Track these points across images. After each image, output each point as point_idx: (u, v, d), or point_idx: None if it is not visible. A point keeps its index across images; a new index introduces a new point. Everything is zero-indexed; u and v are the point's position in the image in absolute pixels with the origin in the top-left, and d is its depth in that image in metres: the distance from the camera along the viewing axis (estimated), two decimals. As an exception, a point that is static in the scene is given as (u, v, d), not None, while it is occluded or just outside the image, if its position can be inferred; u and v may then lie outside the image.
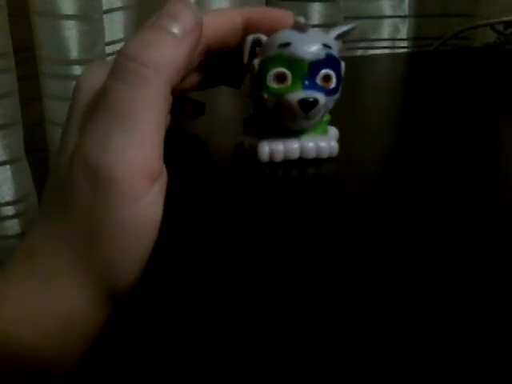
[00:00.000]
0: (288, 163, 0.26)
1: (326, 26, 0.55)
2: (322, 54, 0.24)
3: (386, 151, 0.29)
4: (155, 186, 0.21)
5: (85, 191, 0.20)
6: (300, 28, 0.24)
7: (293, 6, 0.55)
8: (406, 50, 0.67)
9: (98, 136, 0.20)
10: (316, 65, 0.24)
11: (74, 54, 0.47)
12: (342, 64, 0.25)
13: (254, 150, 0.26)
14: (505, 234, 0.20)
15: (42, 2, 0.45)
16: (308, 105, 0.24)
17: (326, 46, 0.24)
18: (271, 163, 0.26)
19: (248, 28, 0.25)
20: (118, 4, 0.52)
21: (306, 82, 0.24)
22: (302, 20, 0.24)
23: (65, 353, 0.21)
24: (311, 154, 0.26)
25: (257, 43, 0.25)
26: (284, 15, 0.25)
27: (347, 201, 0.23)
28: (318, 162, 0.26)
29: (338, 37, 0.26)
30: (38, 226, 0.22)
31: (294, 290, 0.16)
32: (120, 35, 0.52)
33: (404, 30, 0.66)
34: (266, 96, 0.24)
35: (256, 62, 0.24)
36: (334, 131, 0.27)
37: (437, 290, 0.16)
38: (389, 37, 0.66)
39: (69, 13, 0.45)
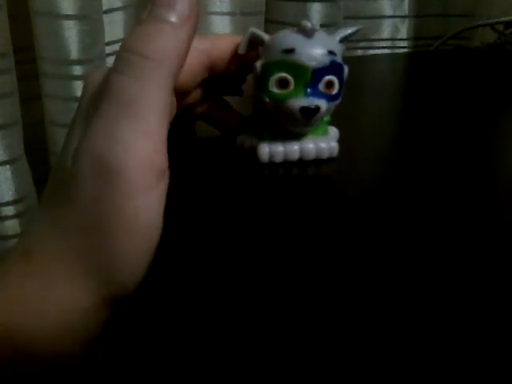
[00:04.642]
0: (288, 163, 0.26)
1: (326, 25, 0.55)
2: (327, 61, 0.23)
3: (387, 151, 0.29)
4: (161, 182, 0.20)
5: (91, 183, 0.20)
6: (305, 33, 0.23)
7: (293, 6, 0.55)
8: (406, 50, 0.67)
9: (105, 127, 0.20)
10: (319, 71, 0.23)
11: (74, 53, 0.47)
12: (345, 68, 0.25)
13: (254, 151, 0.26)
14: (504, 233, 0.20)
15: (41, 2, 0.45)
16: (310, 112, 0.23)
17: (330, 52, 0.24)
18: (271, 163, 0.25)
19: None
20: (118, 4, 0.52)
21: (309, 89, 0.24)
22: (308, 24, 0.23)
23: (64, 352, 0.21)
24: (311, 156, 0.26)
25: (259, 42, 0.24)
26: None
27: (348, 201, 0.23)
28: (318, 162, 0.26)
29: (343, 40, 0.25)
30: (37, 226, 0.22)
31: (294, 290, 0.16)
32: (120, 35, 0.52)
33: (404, 30, 0.66)
34: (267, 100, 0.24)
35: (258, 64, 0.24)
36: (334, 131, 0.27)
37: (436, 290, 0.16)
38: (389, 37, 0.66)
39: (69, 13, 0.45)
